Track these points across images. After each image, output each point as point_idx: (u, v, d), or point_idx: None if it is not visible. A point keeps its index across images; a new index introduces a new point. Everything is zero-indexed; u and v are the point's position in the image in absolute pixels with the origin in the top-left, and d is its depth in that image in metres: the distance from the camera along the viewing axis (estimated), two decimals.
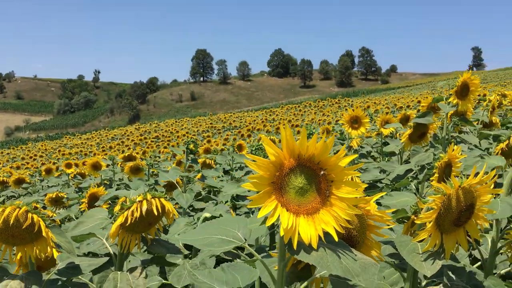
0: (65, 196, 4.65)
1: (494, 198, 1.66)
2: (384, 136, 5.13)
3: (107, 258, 1.83)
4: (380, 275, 1.61)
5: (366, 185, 1.02)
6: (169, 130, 29.47)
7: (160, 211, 1.69)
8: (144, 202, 1.66)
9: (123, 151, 15.88)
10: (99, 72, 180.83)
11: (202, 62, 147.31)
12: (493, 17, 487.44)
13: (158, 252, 1.84)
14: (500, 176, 2.03)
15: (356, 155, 1.04)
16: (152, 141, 20.15)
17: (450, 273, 1.47)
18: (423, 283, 1.57)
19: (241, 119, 31.22)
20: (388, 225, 1.23)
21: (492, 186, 1.34)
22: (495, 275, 1.91)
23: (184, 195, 3.15)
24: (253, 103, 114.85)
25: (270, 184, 0.96)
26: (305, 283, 1.08)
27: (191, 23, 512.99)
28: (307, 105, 35.83)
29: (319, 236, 0.95)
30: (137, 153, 10.51)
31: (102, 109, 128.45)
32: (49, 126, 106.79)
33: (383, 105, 21.89)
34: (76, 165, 7.97)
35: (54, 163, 13.13)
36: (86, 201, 3.87)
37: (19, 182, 7.10)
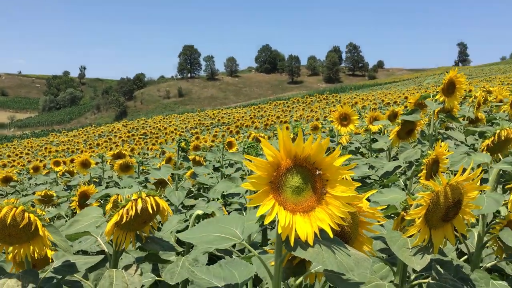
0: (55, 194, 4.63)
1: (480, 194, 1.71)
2: (373, 133, 5.20)
3: (102, 256, 1.85)
4: (371, 269, 1.66)
5: (359, 184, 1.06)
6: (157, 127, 29.33)
7: (155, 209, 1.70)
8: (139, 200, 1.66)
9: (111, 148, 15.80)
10: (84, 68, 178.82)
11: (189, 58, 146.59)
12: (478, 13, 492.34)
13: (153, 249, 1.86)
14: (486, 171, 2.09)
15: (350, 155, 1.08)
16: (140, 138, 20.06)
17: (438, 267, 1.52)
18: (412, 277, 1.61)
19: (229, 116, 31.21)
20: (379, 222, 1.27)
21: (478, 183, 1.40)
22: (482, 268, 1.97)
23: (176, 192, 3.17)
24: (241, 99, 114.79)
25: (268, 183, 1.00)
26: (300, 278, 1.12)
27: (178, 19, 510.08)
28: (295, 101, 35.91)
29: (315, 233, 0.99)
30: (125, 150, 10.47)
31: (88, 106, 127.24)
32: (35, 123, 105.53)
33: (371, 101, 22.05)
34: (64, 162, 7.92)
35: (41, 161, 13.01)
36: (77, 200, 3.86)
37: (7, 180, 7.04)
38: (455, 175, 1.37)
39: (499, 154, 2.61)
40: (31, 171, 7.89)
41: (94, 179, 5.96)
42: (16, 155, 18.66)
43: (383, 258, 1.60)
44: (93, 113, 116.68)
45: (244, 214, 3.10)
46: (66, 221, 4.45)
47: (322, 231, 1.00)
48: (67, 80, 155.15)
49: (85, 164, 5.72)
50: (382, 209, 1.45)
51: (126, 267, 1.76)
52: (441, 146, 2.27)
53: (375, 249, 1.59)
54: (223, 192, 3.66)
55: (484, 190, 1.70)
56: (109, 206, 2.95)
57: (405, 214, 1.52)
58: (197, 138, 13.86)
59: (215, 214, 2.59)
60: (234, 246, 2.36)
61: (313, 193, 1.01)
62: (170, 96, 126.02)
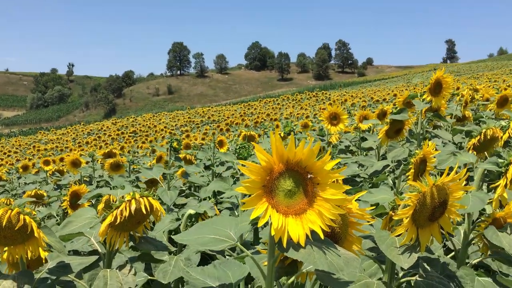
0: (45, 194, 4.62)
1: (466, 193, 1.76)
2: (362, 131, 5.26)
3: (96, 257, 1.86)
4: (360, 267, 1.70)
5: (349, 187, 1.10)
6: (146, 124, 29.22)
7: (149, 210, 1.72)
8: (133, 201, 1.67)
9: (100, 147, 15.73)
10: (73, 66, 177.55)
11: (178, 55, 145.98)
12: (466, 11, 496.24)
13: (146, 249, 1.88)
14: (471, 170, 2.14)
15: (340, 159, 1.12)
16: (129, 136, 19.96)
17: (425, 264, 1.57)
18: (400, 274, 1.66)
19: (219, 113, 31.17)
20: (368, 222, 1.32)
21: (464, 183, 1.44)
22: (468, 264, 2.02)
23: (169, 192, 3.19)
24: (231, 96, 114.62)
25: (261, 187, 1.03)
26: (292, 278, 1.16)
27: (167, 15, 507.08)
28: (285, 98, 36.00)
29: (306, 235, 1.03)
30: (115, 149, 10.43)
31: (76, 103, 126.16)
32: (22, 121, 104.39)
33: (360, 98, 22.17)
34: (54, 161, 7.88)
35: (29, 159, 12.91)
36: (68, 199, 3.85)
37: None
38: (442, 174, 1.42)
39: (485, 152, 2.67)
40: (21, 170, 7.84)
41: (84, 178, 5.95)
42: (4, 153, 18.49)
43: (373, 257, 1.65)
44: (81, 111, 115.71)
45: (236, 213, 3.14)
46: (57, 220, 4.45)
47: (313, 232, 1.04)
48: (55, 78, 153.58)
49: (75, 163, 5.69)
50: (371, 210, 1.50)
51: (120, 267, 1.78)
52: (428, 146, 2.32)
53: (364, 248, 1.63)
54: (213, 190, 3.69)
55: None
56: (101, 206, 2.96)
57: (393, 214, 1.56)
58: (188, 136, 13.84)
59: (207, 214, 2.62)
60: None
61: (305, 196, 1.05)
62: (159, 94, 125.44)
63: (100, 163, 6.48)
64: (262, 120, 17.80)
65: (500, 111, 4.35)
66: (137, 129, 25.70)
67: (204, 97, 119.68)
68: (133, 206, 1.66)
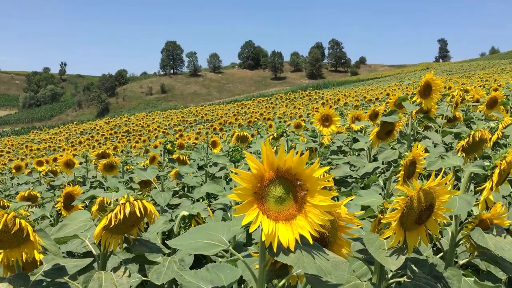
0: (39, 195, 4.62)
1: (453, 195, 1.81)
2: (355, 131, 5.31)
3: (91, 259, 1.89)
4: (350, 269, 1.75)
5: (337, 194, 1.14)
6: (140, 124, 29.17)
7: (143, 213, 1.74)
8: (127, 204, 1.69)
9: (93, 147, 15.69)
10: (65, 65, 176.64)
11: (172, 54, 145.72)
12: (459, 10, 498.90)
13: (140, 251, 1.90)
14: (460, 171, 2.19)
15: (328, 167, 1.16)
16: (123, 136, 19.91)
17: (413, 266, 1.61)
18: (389, 275, 1.71)
19: (213, 112, 31.17)
20: (357, 226, 1.36)
21: (450, 187, 1.49)
22: (456, 265, 2.07)
23: (162, 194, 3.22)
24: (224, 95, 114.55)
25: (252, 194, 1.07)
26: (283, 280, 1.20)
27: (160, 14, 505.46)
28: (278, 97, 36.03)
29: (296, 240, 1.06)
30: (109, 149, 10.42)
31: (69, 103, 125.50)
32: (15, 120, 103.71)
33: (353, 98, 22.27)
34: (47, 162, 7.86)
35: (22, 159, 12.86)
36: (62, 201, 3.86)
37: None
38: (430, 175, 1.46)
39: (475, 154, 2.72)
40: (13, 170, 7.80)
41: (78, 179, 5.95)
42: None
43: (362, 258, 1.69)
44: (74, 110, 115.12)
45: (229, 214, 3.17)
46: (51, 221, 4.46)
47: (302, 237, 1.08)
48: (47, 77, 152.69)
49: (68, 164, 5.69)
50: (359, 214, 1.54)
51: (115, 269, 1.80)
52: (418, 148, 2.37)
53: (355, 250, 1.67)
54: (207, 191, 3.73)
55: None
56: (95, 207, 2.98)
57: (382, 216, 1.61)
58: (181, 135, 13.86)
59: (200, 215, 2.65)
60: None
61: (294, 203, 1.09)
62: (152, 93, 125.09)
63: (94, 164, 6.48)
64: (256, 119, 17.83)
65: (489, 112, 4.41)
66: (130, 128, 25.65)
67: (197, 96, 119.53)
68: (127, 209, 1.68)
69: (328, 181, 2.15)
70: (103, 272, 1.79)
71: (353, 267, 1.81)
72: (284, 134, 3.74)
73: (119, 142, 16.40)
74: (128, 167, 6.33)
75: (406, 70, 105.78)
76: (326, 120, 3.95)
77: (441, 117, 4.76)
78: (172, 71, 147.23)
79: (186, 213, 2.48)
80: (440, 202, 1.48)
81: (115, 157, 6.35)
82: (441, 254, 2.11)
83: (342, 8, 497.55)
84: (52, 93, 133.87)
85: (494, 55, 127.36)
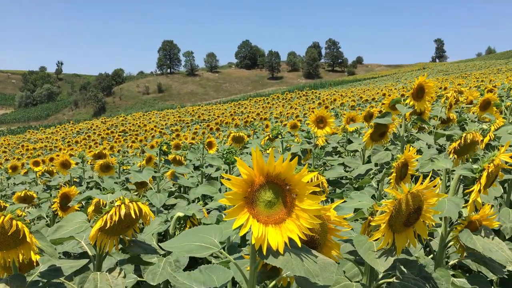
0: (36, 196, 4.64)
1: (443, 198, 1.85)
2: (349, 132, 5.35)
3: (86, 260, 1.91)
4: (340, 270, 1.79)
5: (324, 198, 1.18)
6: (136, 123, 29.12)
7: (138, 215, 1.76)
8: (123, 206, 1.71)
9: (90, 146, 15.67)
10: (62, 64, 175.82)
11: (169, 54, 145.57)
12: (455, 11, 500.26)
13: (136, 252, 1.93)
14: (451, 172, 2.23)
15: (316, 173, 1.20)
16: (119, 135, 19.90)
17: (402, 267, 1.65)
18: (380, 276, 1.74)
19: (209, 112, 31.15)
20: (347, 228, 1.39)
21: (438, 190, 1.53)
22: (447, 265, 2.11)
23: (158, 195, 3.24)
24: (221, 95, 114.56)
25: (243, 199, 1.10)
26: (274, 282, 1.23)
27: (157, 13, 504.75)
28: (275, 97, 36.05)
29: (285, 243, 1.10)
30: (105, 149, 10.43)
31: (66, 102, 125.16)
32: (11, 120, 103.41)
33: (349, 98, 22.33)
34: (44, 162, 7.87)
35: (18, 159, 12.84)
36: (58, 201, 3.89)
37: None
38: (425, 177, 1.50)
39: (467, 155, 2.76)
40: (10, 170, 7.81)
41: (74, 179, 5.96)
42: None
43: (353, 260, 1.72)
44: (70, 109, 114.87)
45: (223, 215, 3.20)
46: (47, 222, 4.48)
47: (292, 240, 1.11)
48: (43, 76, 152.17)
49: (65, 165, 5.70)
50: (350, 217, 1.57)
51: (110, 270, 1.82)
52: (410, 150, 2.41)
53: (345, 251, 1.71)
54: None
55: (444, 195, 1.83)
56: (91, 208, 3.00)
57: (371, 219, 1.64)
58: (178, 135, 13.88)
59: (196, 216, 2.68)
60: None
61: (284, 207, 1.12)
62: (149, 92, 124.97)
63: (90, 164, 6.50)
64: (252, 119, 17.85)
65: (482, 114, 4.44)
66: (127, 128, 25.62)
67: (194, 96, 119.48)
68: (123, 211, 1.70)
69: (322, 183, 2.18)
70: (98, 273, 1.81)
71: (344, 268, 1.85)
72: (279, 136, 3.77)
73: (115, 142, 16.39)
74: (125, 168, 6.34)
75: (403, 70, 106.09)
76: (320, 122, 3.99)
77: (435, 118, 4.80)
78: (169, 70, 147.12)
79: (181, 214, 2.51)
80: (428, 205, 1.51)
81: (112, 157, 6.36)
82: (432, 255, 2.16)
83: (339, 8, 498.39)
84: (49, 92, 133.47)
85: (490, 55, 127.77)
